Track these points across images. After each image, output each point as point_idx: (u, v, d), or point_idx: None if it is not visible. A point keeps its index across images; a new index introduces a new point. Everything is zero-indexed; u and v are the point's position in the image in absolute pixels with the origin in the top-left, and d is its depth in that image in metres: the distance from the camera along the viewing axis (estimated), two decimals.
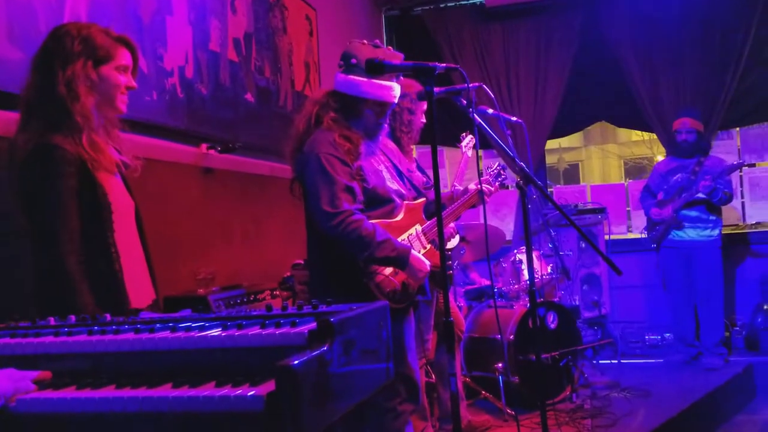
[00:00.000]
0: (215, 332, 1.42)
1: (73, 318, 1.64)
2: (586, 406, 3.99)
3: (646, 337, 5.73)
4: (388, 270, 2.59)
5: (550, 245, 4.73)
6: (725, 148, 6.10)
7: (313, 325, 1.36)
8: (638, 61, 6.02)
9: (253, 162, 4.20)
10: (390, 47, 2.64)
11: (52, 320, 1.63)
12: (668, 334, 5.63)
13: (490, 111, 3.23)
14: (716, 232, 5.06)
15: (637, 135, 13.88)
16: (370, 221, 2.52)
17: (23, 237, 1.97)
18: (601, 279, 5.75)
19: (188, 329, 1.45)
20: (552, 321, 4.19)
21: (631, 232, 6.46)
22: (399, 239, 2.63)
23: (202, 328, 1.46)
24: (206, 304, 2.95)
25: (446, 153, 6.56)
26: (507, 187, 6.43)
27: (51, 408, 1.35)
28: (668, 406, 4.02)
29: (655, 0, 5.97)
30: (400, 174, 2.85)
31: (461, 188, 3.31)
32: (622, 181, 11.82)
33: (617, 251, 5.62)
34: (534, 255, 4.08)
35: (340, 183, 2.49)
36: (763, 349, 5.28)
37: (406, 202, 2.77)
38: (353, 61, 2.56)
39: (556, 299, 4.67)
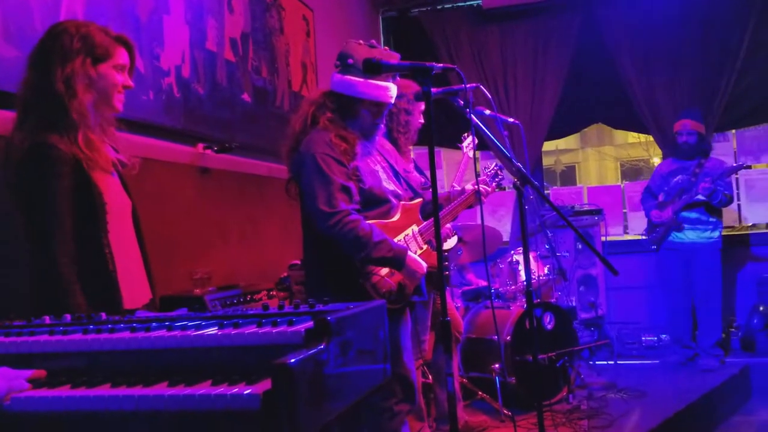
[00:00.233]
0: (211, 331, 1.42)
1: (68, 317, 1.63)
2: (583, 406, 4.00)
3: (643, 338, 5.73)
4: (384, 271, 2.58)
5: (547, 246, 4.73)
6: (721, 150, 6.10)
7: (310, 324, 1.35)
8: (635, 63, 6.03)
9: (250, 162, 4.19)
10: (387, 47, 2.64)
11: (47, 319, 1.62)
12: (665, 336, 5.63)
13: (488, 112, 3.23)
14: (716, 233, 5.07)
15: (633, 137, 13.88)
16: (367, 222, 2.52)
17: (22, 237, 1.96)
18: (598, 280, 5.76)
19: (184, 328, 1.44)
20: (549, 322, 4.19)
21: (627, 233, 6.47)
22: (395, 240, 2.63)
23: (198, 327, 1.45)
24: (203, 304, 2.94)
25: (443, 154, 6.56)
26: (504, 188, 6.43)
27: (46, 406, 1.34)
28: (664, 407, 4.02)
29: (652, 3, 5.98)
30: (396, 174, 2.85)
31: (459, 188, 3.30)
32: (619, 183, 11.82)
33: (614, 252, 5.61)
34: (531, 256, 4.06)
35: (337, 183, 2.48)
36: (759, 351, 5.28)
37: (402, 202, 2.77)
38: (350, 61, 2.55)
39: (552, 300, 4.67)
